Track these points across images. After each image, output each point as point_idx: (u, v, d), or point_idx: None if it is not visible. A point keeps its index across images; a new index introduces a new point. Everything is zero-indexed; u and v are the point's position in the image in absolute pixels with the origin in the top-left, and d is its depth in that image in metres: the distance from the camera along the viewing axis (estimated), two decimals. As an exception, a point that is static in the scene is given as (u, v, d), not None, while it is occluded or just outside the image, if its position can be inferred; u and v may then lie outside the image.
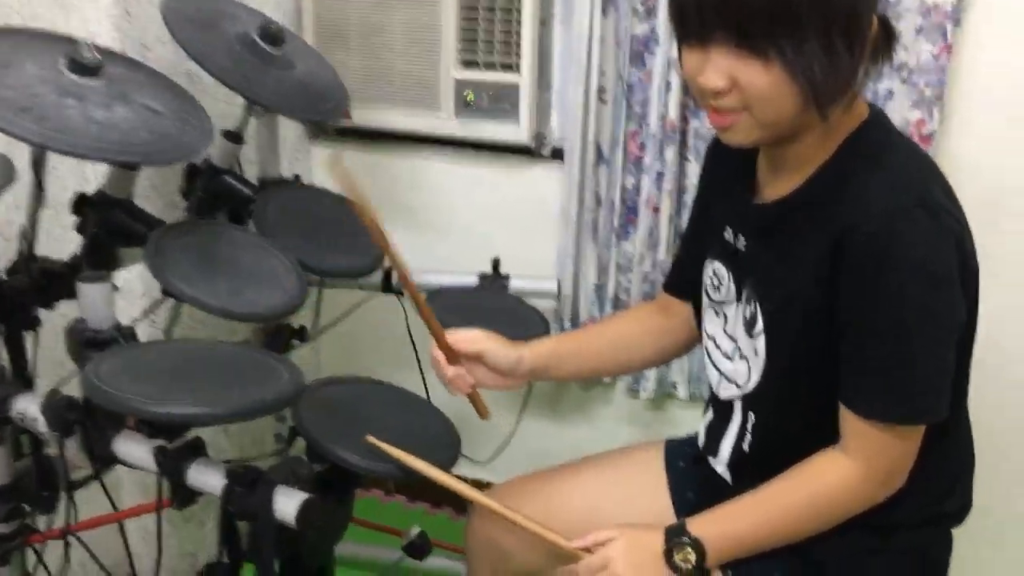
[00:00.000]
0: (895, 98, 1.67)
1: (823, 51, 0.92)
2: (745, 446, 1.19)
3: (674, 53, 1.74)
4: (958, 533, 1.19)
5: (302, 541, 1.21)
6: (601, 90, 1.87)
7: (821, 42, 0.91)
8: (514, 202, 2.09)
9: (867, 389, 1.03)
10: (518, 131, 1.95)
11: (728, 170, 1.20)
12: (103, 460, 1.21)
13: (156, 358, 1.20)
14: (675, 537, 1.09)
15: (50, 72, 1.20)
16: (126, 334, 1.22)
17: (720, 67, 0.95)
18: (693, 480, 1.31)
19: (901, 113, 1.66)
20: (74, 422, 1.18)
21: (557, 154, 1.99)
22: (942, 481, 1.15)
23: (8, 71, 1.16)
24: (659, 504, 1.32)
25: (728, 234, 1.18)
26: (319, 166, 2.24)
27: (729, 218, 1.19)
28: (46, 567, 1.41)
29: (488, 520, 1.34)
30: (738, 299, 1.16)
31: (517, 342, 1.27)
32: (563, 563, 1.16)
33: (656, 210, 1.88)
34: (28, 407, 1.23)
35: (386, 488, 2.39)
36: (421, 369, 1.75)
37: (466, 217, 2.14)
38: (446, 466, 1.26)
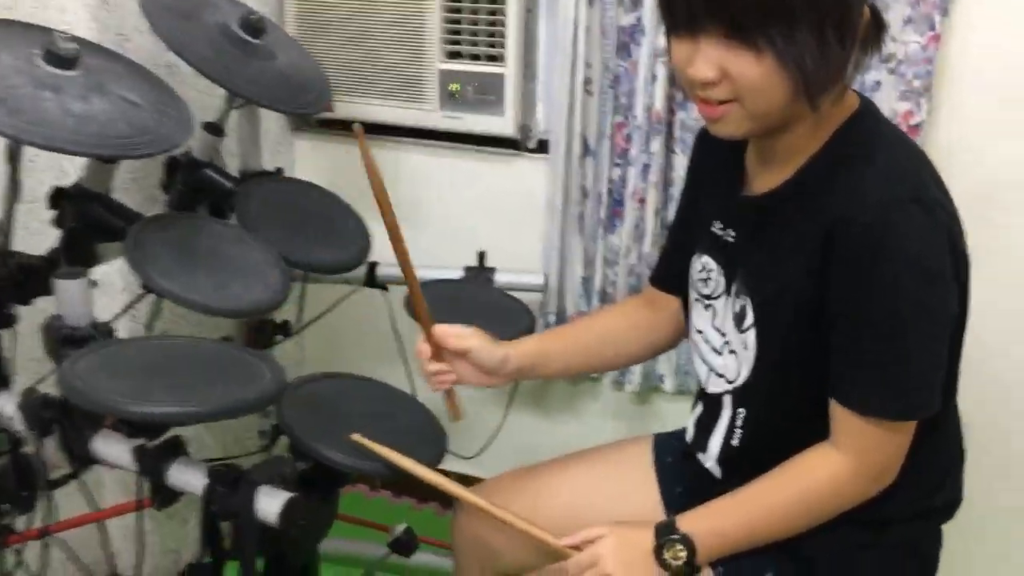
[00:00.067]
0: (882, 89, 1.66)
1: (815, 41, 0.90)
2: (735, 441, 1.17)
3: (660, 43, 1.74)
4: (942, 527, 1.19)
5: (286, 540, 1.19)
6: (587, 81, 1.85)
7: (813, 32, 0.90)
8: (500, 194, 2.07)
9: (861, 384, 1.02)
10: (503, 123, 1.93)
11: (716, 162, 1.19)
12: (82, 459, 1.19)
13: (134, 356, 1.18)
14: (665, 534, 1.08)
15: (25, 64, 1.17)
16: (103, 331, 1.20)
17: (710, 58, 0.94)
18: (682, 475, 1.30)
19: (889, 104, 1.65)
20: (51, 421, 1.16)
21: (543, 146, 1.98)
22: (933, 475, 1.15)
23: (-19, 62, 1.14)
24: (648, 500, 1.31)
25: (717, 227, 1.17)
26: (302, 159, 2.22)
27: (718, 211, 1.17)
28: (26, 567, 1.38)
29: (475, 517, 1.33)
30: (727, 293, 1.15)
31: (503, 341, 1.25)
32: (552, 561, 1.15)
33: (642, 202, 1.87)
34: (5, 405, 1.21)
35: (371, 484, 2.37)
36: (406, 364, 1.73)
37: (451, 210, 2.13)
38: (433, 463, 1.24)
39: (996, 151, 1.69)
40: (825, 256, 0.99)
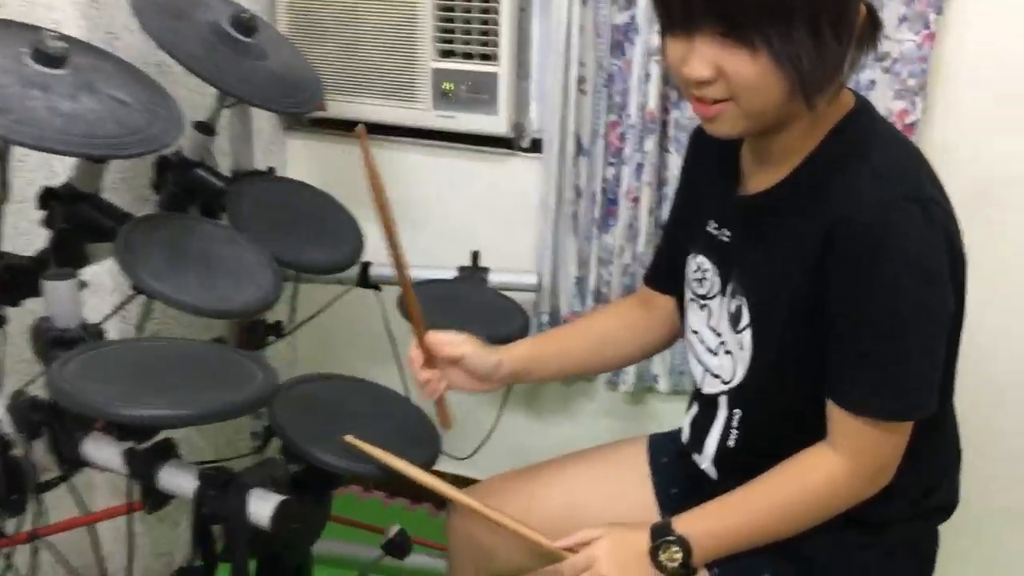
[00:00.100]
0: (877, 88, 1.66)
1: (811, 40, 0.90)
2: (730, 442, 1.17)
3: (654, 42, 1.74)
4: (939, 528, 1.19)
5: (278, 542, 1.18)
6: (581, 80, 1.84)
7: (809, 31, 0.89)
8: (494, 194, 2.06)
9: (860, 385, 1.01)
10: (497, 122, 1.92)
11: (711, 161, 1.18)
12: (71, 462, 1.18)
13: (124, 357, 1.16)
14: (661, 536, 1.08)
15: (13, 62, 1.16)
16: (93, 333, 1.19)
17: (705, 56, 0.93)
18: (677, 476, 1.30)
19: (884, 103, 1.65)
20: (41, 423, 1.15)
21: (536, 145, 1.97)
22: (932, 476, 1.14)
23: (-32, 61, 1.13)
24: (643, 501, 1.30)
25: (712, 227, 1.16)
26: (294, 158, 2.20)
27: (713, 210, 1.17)
28: (15, 571, 1.37)
29: (469, 519, 1.32)
30: (723, 293, 1.14)
31: (495, 346, 1.24)
32: (547, 563, 1.14)
33: (636, 201, 1.86)
34: (-6, 408, 1.19)
35: (365, 485, 2.36)
36: (399, 364, 1.72)
37: (445, 209, 2.12)
38: (427, 465, 1.23)
39: (992, 148, 1.69)
40: (823, 256, 0.99)
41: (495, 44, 1.86)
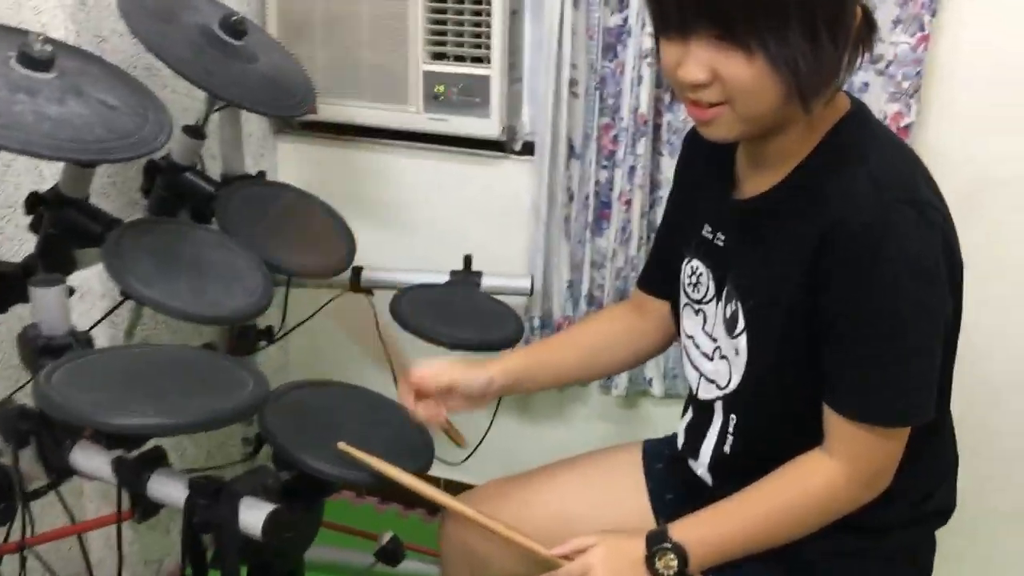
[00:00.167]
0: (871, 91, 1.65)
1: (807, 42, 0.89)
2: (726, 448, 1.16)
3: (646, 45, 1.73)
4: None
5: (269, 551, 1.17)
6: (573, 83, 1.84)
7: (805, 33, 0.89)
8: (486, 197, 2.05)
9: (859, 388, 1.01)
10: (489, 125, 1.91)
11: (705, 165, 1.17)
12: (60, 471, 1.16)
13: (113, 365, 1.15)
14: (657, 543, 1.07)
15: (-1, 66, 1.15)
16: (82, 340, 1.17)
17: (701, 59, 0.92)
18: (672, 482, 1.29)
19: (878, 106, 1.64)
20: (28, 432, 1.13)
21: (528, 148, 1.96)
22: (931, 480, 1.14)
23: (-46, 65, 1.11)
24: (638, 507, 1.29)
25: (706, 231, 1.15)
26: (285, 162, 2.19)
27: (707, 214, 1.16)
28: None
29: (463, 525, 1.30)
30: (718, 297, 1.13)
31: (483, 361, 1.23)
32: (541, 570, 1.13)
33: (628, 204, 1.85)
34: (-20, 416, 1.18)
35: (357, 491, 2.35)
36: (392, 369, 1.71)
37: (437, 213, 2.11)
38: (421, 471, 1.22)
39: (986, 148, 1.69)
40: (820, 259, 0.98)
41: (487, 46, 1.86)
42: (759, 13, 0.88)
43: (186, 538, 1.16)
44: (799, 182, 1.03)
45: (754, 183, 1.08)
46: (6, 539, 1.26)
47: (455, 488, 1.40)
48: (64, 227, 1.38)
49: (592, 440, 1.60)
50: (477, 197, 2.06)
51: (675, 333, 1.28)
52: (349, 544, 1.89)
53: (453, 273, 1.77)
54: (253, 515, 1.06)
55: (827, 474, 1.04)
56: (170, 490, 1.10)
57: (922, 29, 1.59)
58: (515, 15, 1.88)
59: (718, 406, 1.16)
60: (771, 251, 1.05)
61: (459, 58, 1.89)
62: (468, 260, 1.79)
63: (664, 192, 1.86)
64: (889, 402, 1.00)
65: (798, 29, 0.88)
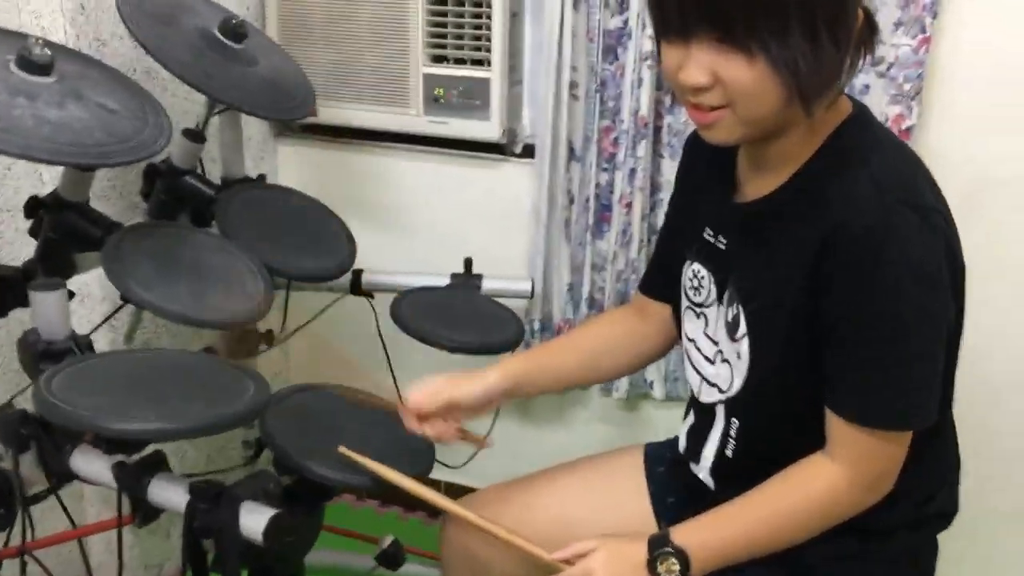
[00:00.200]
0: (872, 93, 1.65)
1: (808, 45, 0.89)
2: (728, 452, 1.16)
3: (646, 47, 1.73)
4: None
5: (270, 555, 1.17)
6: (573, 85, 1.83)
7: (806, 36, 0.88)
8: (486, 200, 2.05)
9: (861, 391, 1.00)
10: (489, 128, 1.91)
11: (707, 168, 1.17)
12: (60, 476, 1.16)
13: (113, 369, 1.15)
14: (658, 547, 1.06)
15: (-1, 70, 1.14)
16: (82, 344, 1.17)
17: (702, 63, 0.92)
18: (674, 485, 1.28)
19: (879, 108, 1.64)
20: (29, 437, 1.13)
21: (529, 151, 1.96)
22: (934, 482, 1.14)
23: (-47, 69, 1.11)
24: (639, 511, 1.29)
25: (708, 234, 1.15)
26: (285, 165, 2.19)
27: (709, 217, 1.16)
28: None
29: (463, 530, 1.30)
30: (719, 301, 1.13)
31: (478, 369, 1.22)
32: (543, 575, 1.13)
33: (629, 207, 1.85)
34: (-19, 421, 1.17)
35: (358, 494, 2.35)
36: (392, 373, 1.71)
37: (437, 216, 2.10)
38: (422, 475, 1.22)
39: (987, 149, 1.68)
40: (822, 262, 0.98)
41: (487, 49, 1.85)
42: (760, 15, 0.87)
43: (187, 542, 1.16)
44: (801, 185, 1.02)
45: (755, 186, 1.08)
46: (6, 543, 1.26)
47: (456, 492, 1.40)
48: (64, 231, 1.38)
49: (593, 443, 1.59)
50: (477, 200, 2.06)
51: (676, 337, 1.27)
52: (350, 548, 1.89)
53: (454, 276, 1.77)
54: (254, 519, 1.06)
55: (829, 478, 1.04)
56: (171, 494, 1.09)
57: (923, 31, 1.59)
58: (515, 17, 1.88)
59: (720, 409, 1.16)
60: (773, 254, 1.05)
61: (459, 61, 1.89)
62: (468, 263, 1.79)
63: (665, 194, 1.86)
64: (890, 405, 1.00)
65: (799, 31, 0.88)
